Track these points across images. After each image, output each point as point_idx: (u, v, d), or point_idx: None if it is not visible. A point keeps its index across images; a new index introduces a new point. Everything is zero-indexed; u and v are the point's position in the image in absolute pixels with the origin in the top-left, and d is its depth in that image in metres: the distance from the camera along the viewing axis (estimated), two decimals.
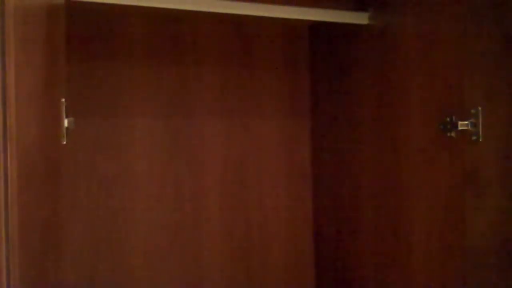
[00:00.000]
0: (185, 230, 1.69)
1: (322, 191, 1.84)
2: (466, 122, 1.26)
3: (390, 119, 1.52)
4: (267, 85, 1.81)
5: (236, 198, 1.77)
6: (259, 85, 1.80)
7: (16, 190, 0.55)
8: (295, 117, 1.85)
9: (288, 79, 1.83)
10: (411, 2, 1.42)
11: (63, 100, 0.97)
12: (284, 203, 1.84)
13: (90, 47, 1.59)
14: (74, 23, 1.55)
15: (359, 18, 1.54)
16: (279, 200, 1.83)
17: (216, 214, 1.74)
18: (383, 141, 1.54)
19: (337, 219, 1.76)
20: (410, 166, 1.44)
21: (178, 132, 1.69)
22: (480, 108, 1.24)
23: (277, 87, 1.82)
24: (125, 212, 1.62)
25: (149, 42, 1.66)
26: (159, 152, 1.67)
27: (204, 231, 1.72)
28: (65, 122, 0.97)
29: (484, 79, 1.23)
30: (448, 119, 1.30)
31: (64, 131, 0.97)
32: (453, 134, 1.29)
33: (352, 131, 1.68)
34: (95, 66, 1.59)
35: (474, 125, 1.25)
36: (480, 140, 1.24)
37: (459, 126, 1.27)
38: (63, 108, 0.96)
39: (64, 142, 0.97)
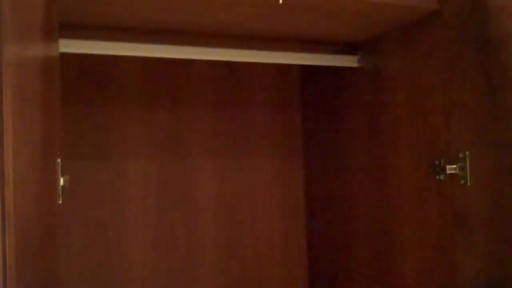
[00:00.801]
0: (180, 272, 1.71)
1: (315, 229, 1.87)
2: (454, 166, 1.29)
3: (381, 159, 1.55)
4: (260, 125, 1.85)
5: (230, 237, 1.79)
6: (252, 125, 1.83)
7: (14, 263, 0.57)
8: (287, 156, 1.88)
9: (280, 119, 1.87)
10: (398, 47, 1.47)
11: (59, 160, 0.99)
12: (278, 241, 1.86)
13: (84, 91, 1.63)
14: (68, 68, 1.59)
15: (349, 62, 1.58)
16: (273, 238, 1.85)
17: (211, 254, 1.76)
18: (374, 181, 1.57)
19: (331, 257, 1.78)
20: (401, 206, 1.47)
21: (171, 173, 1.72)
22: (467, 153, 1.27)
23: (270, 126, 1.86)
24: (120, 256, 1.64)
25: (143, 85, 1.70)
26: (153, 194, 1.69)
27: (199, 272, 1.74)
28: (61, 181, 0.99)
29: (471, 124, 1.26)
30: (437, 162, 1.34)
31: (60, 190, 0.99)
32: (442, 177, 1.32)
33: (344, 170, 1.71)
34: (89, 109, 1.63)
35: (462, 169, 1.28)
36: (469, 184, 1.27)
37: (447, 170, 1.30)
38: (59, 169, 0.98)
39: (60, 202, 0.98)
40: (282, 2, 1.12)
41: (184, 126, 1.74)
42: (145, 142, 1.69)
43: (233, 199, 1.80)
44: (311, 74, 1.86)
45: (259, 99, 1.85)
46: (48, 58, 1.00)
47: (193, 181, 1.74)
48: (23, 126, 0.68)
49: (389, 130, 1.52)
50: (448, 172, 1.30)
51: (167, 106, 1.72)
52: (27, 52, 0.74)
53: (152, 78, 1.71)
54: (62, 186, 1.00)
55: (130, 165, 1.67)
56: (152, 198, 1.69)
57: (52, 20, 1.04)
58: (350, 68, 1.63)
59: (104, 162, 1.64)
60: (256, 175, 1.83)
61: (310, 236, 1.89)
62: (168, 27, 1.33)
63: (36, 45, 0.84)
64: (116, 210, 1.64)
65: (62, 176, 0.99)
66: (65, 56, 1.55)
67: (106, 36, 1.34)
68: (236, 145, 1.81)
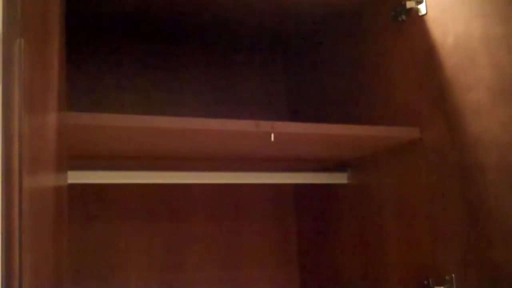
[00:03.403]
0: None
1: None
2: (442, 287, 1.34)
3: (372, 273, 1.59)
4: (256, 234, 1.91)
5: None
6: (248, 235, 1.89)
7: None
8: (283, 267, 1.93)
9: (276, 231, 1.94)
10: (385, 168, 1.56)
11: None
12: None
13: (86, 210, 1.70)
14: (72, 191, 1.67)
15: (339, 179, 1.67)
16: None
17: None
18: None
19: None
20: None
21: (172, 285, 1.75)
22: (453, 275, 1.32)
23: (266, 238, 1.92)
24: None
25: (144, 202, 1.78)
26: None
27: None
28: None
29: (456, 248, 1.32)
30: (425, 282, 1.39)
31: None
32: None
33: (337, 279, 1.75)
34: (92, 225, 1.69)
35: None
36: None
37: None
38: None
39: None
40: (274, 140, 1.22)
41: (183, 239, 1.80)
42: (145, 255, 1.74)
43: None
44: (304, 188, 1.94)
45: (255, 213, 1.92)
46: (59, 188, 1.08)
47: None
48: (35, 258, 0.73)
49: (377, 245, 1.58)
50: None
51: (167, 221, 1.79)
52: (41, 182, 0.80)
53: (153, 196, 1.79)
54: None
55: (131, 278, 1.71)
56: None
57: (62, 155, 1.13)
58: (339, 184, 1.71)
59: (106, 277, 1.68)
60: (254, 285, 1.87)
61: None
62: (168, 154, 1.42)
63: (48, 176, 0.91)
64: None
65: None
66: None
67: (110, 164, 1.43)
68: (233, 256, 1.86)
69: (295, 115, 2.04)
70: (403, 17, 1.50)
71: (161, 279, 1.74)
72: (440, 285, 1.34)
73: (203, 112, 1.91)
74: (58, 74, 1.01)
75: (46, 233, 0.83)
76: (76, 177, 1.31)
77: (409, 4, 1.48)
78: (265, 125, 1.19)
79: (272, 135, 1.20)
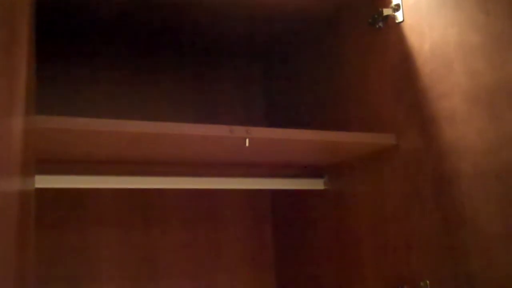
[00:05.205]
0: None
1: None
2: None
3: (347, 279, 1.58)
4: (233, 241, 1.88)
5: None
6: (224, 241, 1.87)
7: None
8: (260, 270, 1.91)
9: (252, 237, 1.91)
10: (361, 175, 1.55)
11: None
12: None
13: (58, 215, 1.66)
14: (42, 195, 1.63)
15: (315, 185, 1.66)
16: None
17: None
18: None
19: None
20: None
21: None
22: (428, 282, 1.32)
23: (243, 241, 1.90)
24: None
25: (117, 206, 1.74)
26: None
27: None
28: None
29: (430, 254, 1.32)
30: None
31: None
32: None
33: (313, 284, 1.74)
34: (63, 232, 1.65)
35: None
36: None
37: None
38: None
39: None
40: (249, 145, 1.20)
41: (157, 245, 1.76)
42: (118, 263, 1.70)
43: None
44: (281, 194, 1.93)
45: (231, 217, 1.90)
46: (24, 193, 1.05)
47: None
48: None
49: (353, 251, 1.57)
50: None
51: (141, 227, 1.75)
52: (4, 187, 0.77)
53: (126, 202, 1.75)
54: None
55: (103, 286, 1.67)
56: None
57: (29, 159, 1.10)
58: (316, 190, 1.70)
59: (78, 284, 1.64)
60: None
61: None
62: (141, 159, 1.39)
63: (12, 180, 0.88)
64: None
65: None
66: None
67: (80, 169, 1.40)
68: (209, 262, 1.83)
69: (272, 122, 2.03)
70: (380, 24, 1.50)
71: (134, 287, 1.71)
72: None
73: (180, 119, 1.88)
74: (26, 80, 0.98)
75: (7, 239, 0.79)
76: (44, 182, 1.27)
77: (386, 12, 1.48)
78: (239, 130, 1.17)
79: (247, 140, 1.18)
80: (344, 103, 1.63)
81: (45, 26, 1.66)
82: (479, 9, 1.22)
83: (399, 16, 1.45)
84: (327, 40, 1.73)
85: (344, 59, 1.65)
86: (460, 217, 1.24)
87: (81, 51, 1.81)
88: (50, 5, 1.52)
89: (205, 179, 1.48)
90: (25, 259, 0.97)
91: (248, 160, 1.49)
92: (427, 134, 1.34)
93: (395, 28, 1.46)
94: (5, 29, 0.77)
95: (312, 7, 1.63)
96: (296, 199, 1.85)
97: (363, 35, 1.57)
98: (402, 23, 1.44)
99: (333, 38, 1.70)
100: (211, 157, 1.42)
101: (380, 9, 1.49)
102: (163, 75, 1.90)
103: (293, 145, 1.32)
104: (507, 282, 1.12)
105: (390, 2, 1.48)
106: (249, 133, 1.18)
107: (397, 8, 1.46)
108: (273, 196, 1.99)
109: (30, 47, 1.07)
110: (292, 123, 1.87)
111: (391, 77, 1.47)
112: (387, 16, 1.48)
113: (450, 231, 1.27)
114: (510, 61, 1.15)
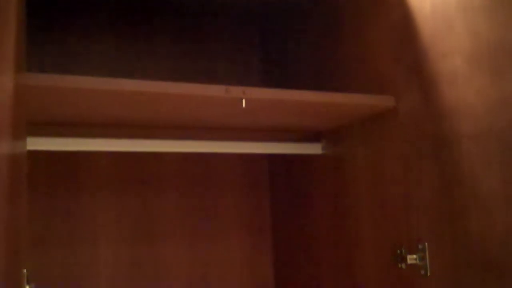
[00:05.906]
0: None
1: None
2: (415, 256, 1.33)
3: (347, 242, 1.58)
4: (229, 206, 1.88)
5: None
6: (221, 207, 1.86)
7: None
8: (256, 235, 1.91)
9: (249, 200, 1.91)
10: (359, 138, 1.53)
11: (25, 270, 0.99)
12: None
13: (53, 179, 1.64)
14: (37, 159, 1.61)
15: (314, 149, 1.64)
16: None
17: None
18: (340, 265, 1.60)
19: None
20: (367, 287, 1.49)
21: (142, 257, 1.72)
22: (426, 244, 1.31)
23: (239, 207, 1.89)
24: None
25: (113, 171, 1.72)
26: (124, 279, 1.68)
27: None
28: None
29: (429, 217, 1.31)
30: (398, 251, 1.38)
31: None
32: (403, 266, 1.36)
33: (310, 248, 1.74)
34: (57, 196, 1.64)
35: (422, 259, 1.32)
36: (428, 274, 1.31)
37: (408, 260, 1.34)
38: (25, 279, 0.98)
39: None
40: (245, 106, 1.18)
41: (153, 209, 1.75)
42: (115, 227, 1.70)
43: (203, 280, 1.80)
44: (278, 158, 1.91)
45: (227, 182, 1.89)
46: (15, 155, 1.03)
47: (164, 264, 1.74)
48: None
49: (352, 215, 1.56)
50: (409, 262, 1.34)
51: (137, 190, 1.74)
52: None
53: (123, 164, 1.74)
54: None
55: (100, 251, 1.67)
56: (124, 283, 1.68)
57: (19, 120, 1.07)
58: (314, 155, 1.69)
59: (74, 247, 1.63)
60: (226, 254, 1.85)
61: None
62: (136, 122, 1.37)
63: (2, 143, 0.86)
64: None
65: (28, 284, 0.99)
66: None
67: (73, 131, 1.38)
68: (206, 226, 1.83)
69: (270, 84, 2.00)
70: None
71: (131, 252, 1.70)
72: (413, 254, 1.34)
73: (176, 80, 1.85)
74: (16, 39, 0.94)
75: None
76: (36, 144, 1.25)
77: None
78: (236, 90, 1.14)
79: (244, 101, 1.16)
80: (343, 65, 1.60)
81: None
82: None
83: None
84: (327, 1, 1.69)
85: (343, 20, 1.61)
86: (460, 178, 1.23)
87: (80, 11, 1.77)
88: None
89: (202, 142, 1.46)
90: (18, 220, 0.95)
91: (245, 124, 1.47)
92: (426, 95, 1.32)
93: None
94: None
95: None
96: (293, 164, 1.83)
97: None
98: None
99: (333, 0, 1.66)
100: (209, 120, 1.40)
101: None
102: (158, 35, 1.86)
103: (290, 107, 1.30)
104: (506, 240, 1.11)
105: None
106: (246, 93, 1.16)
107: None
108: (270, 161, 1.98)
109: (18, 6, 1.03)
110: (290, 86, 1.84)
111: (391, 38, 1.43)
112: None
113: (449, 192, 1.26)
114: None
